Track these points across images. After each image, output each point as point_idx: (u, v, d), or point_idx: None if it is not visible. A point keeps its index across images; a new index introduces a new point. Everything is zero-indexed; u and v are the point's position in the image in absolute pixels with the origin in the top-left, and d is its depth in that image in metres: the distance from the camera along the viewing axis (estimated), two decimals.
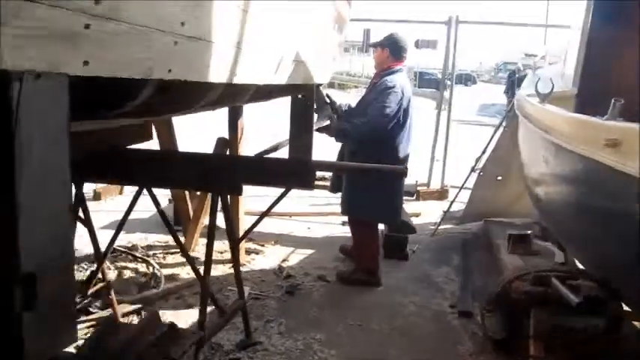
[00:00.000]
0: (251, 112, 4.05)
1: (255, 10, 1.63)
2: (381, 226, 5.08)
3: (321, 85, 3.69)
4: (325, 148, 4.51)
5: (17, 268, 0.92)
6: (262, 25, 1.78)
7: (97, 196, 6.26)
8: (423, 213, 6.30)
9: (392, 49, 4.12)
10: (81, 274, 4.19)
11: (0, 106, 0.83)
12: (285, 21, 2.08)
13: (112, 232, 3.35)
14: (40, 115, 0.88)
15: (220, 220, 3.81)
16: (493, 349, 3.25)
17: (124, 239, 4.96)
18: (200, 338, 2.83)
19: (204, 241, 3.22)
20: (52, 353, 1.07)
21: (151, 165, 2.78)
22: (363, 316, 3.74)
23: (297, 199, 5.89)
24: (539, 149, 2.71)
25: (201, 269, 2.92)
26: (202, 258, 3.14)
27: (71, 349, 2.27)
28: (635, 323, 3.24)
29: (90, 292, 3.48)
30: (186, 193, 4.84)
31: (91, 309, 3.59)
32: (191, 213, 4.80)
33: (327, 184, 5.66)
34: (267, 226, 5.05)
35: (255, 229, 3.53)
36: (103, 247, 3.30)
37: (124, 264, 4.44)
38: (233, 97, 2.13)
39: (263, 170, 2.66)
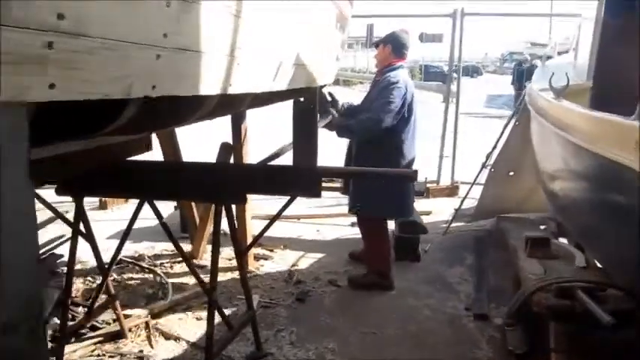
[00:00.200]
0: (255, 114, 3.94)
1: (248, 13, 1.52)
2: (391, 227, 4.99)
3: (324, 86, 3.59)
4: (331, 148, 4.41)
5: None
6: (257, 30, 1.67)
7: (103, 205, 6.19)
8: (433, 211, 6.18)
9: (394, 46, 4.10)
10: (88, 286, 4.13)
11: None
12: (282, 23, 1.97)
13: (118, 242, 3.27)
14: None
15: (227, 226, 3.74)
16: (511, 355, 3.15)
17: (131, 249, 4.89)
18: (209, 353, 2.75)
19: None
20: None
21: (152, 177, 2.69)
22: (376, 322, 3.63)
23: (305, 201, 5.75)
24: (556, 146, 2.59)
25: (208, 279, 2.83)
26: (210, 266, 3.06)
27: None
28: None
29: (95, 306, 3.40)
30: None
31: (97, 324, 3.51)
32: (197, 220, 4.71)
33: (336, 185, 5.57)
34: (275, 230, 4.94)
35: (267, 234, 3.42)
36: (109, 258, 3.23)
37: (130, 275, 4.37)
38: (230, 106, 2.03)
39: (267, 179, 2.56)
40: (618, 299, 2.17)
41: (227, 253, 4.56)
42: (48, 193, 2.89)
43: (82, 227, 3.02)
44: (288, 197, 2.71)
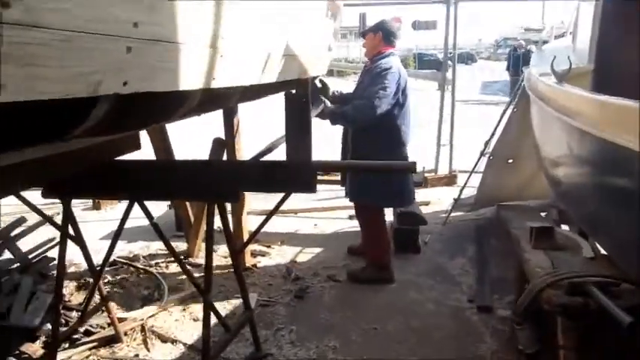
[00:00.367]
0: (246, 104, 3.84)
1: (231, 1, 1.42)
2: (390, 219, 4.91)
3: (317, 77, 3.49)
4: (318, 137, 4.31)
5: None
6: (242, 19, 1.56)
7: (96, 206, 6.08)
8: (432, 201, 6.09)
9: (384, 34, 4.06)
10: (82, 289, 4.03)
11: None
12: (269, 12, 1.86)
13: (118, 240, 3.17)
14: None
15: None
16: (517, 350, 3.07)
17: (125, 249, 4.80)
18: (206, 357, 2.67)
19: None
20: None
21: (141, 177, 2.59)
22: (377, 318, 3.55)
23: (302, 194, 5.65)
24: (559, 132, 2.50)
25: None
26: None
27: None
28: None
29: (89, 310, 3.31)
30: None
31: (91, 328, 3.43)
32: (192, 218, 4.62)
33: (333, 178, 5.47)
34: (272, 225, 4.84)
35: (262, 230, 3.32)
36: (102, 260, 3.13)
37: (125, 276, 4.27)
38: (216, 101, 1.93)
39: (260, 176, 2.46)
40: (631, 294, 2.07)
41: (223, 250, 4.48)
42: (37, 195, 2.80)
43: (71, 230, 2.94)
44: (281, 198, 2.62)
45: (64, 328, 3.32)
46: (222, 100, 2.00)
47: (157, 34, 1.09)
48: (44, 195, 2.71)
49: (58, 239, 3.61)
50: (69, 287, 4.02)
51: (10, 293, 3.57)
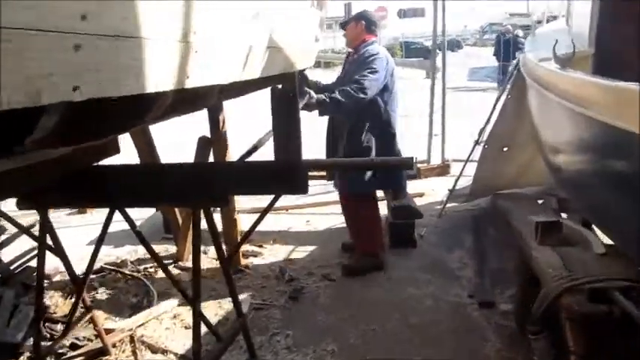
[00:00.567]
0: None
1: None
2: (384, 211, 4.80)
3: (304, 70, 3.33)
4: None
5: None
6: (218, 10, 1.40)
7: (81, 210, 5.90)
8: (426, 192, 5.96)
9: (366, 23, 4.07)
10: (68, 299, 3.87)
11: None
12: (250, 1, 1.71)
13: (102, 247, 3.01)
14: None
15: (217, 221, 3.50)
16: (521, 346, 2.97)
17: (112, 254, 4.64)
18: None
19: None
20: None
21: (122, 183, 2.43)
22: (375, 317, 3.42)
23: None
24: (562, 119, 2.37)
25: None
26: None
27: None
28: None
29: (74, 321, 3.16)
30: None
31: (77, 341, 3.27)
32: (180, 220, 4.46)
33: (322, 173, 5.32)
34: (263, 223, 4.64)
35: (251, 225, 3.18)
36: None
37: (113, 284, 4.11)
38: (193, 102, 1.77)
39: (248, 178, 2.31)
40: None
41: (214, 252, 4.31)
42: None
43: (51, 240, 2.78)
44: (271, 201, 2.48)
45: (49, 343, 3.17)
46: (200, 100, 1.85)
47: (113, 27, 0.93)
48: (19, 205, 2.55)
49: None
50: (54, 297, 3.85)
51: None
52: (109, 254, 4.64)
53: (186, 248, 4.44)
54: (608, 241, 2.80)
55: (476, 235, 4.64)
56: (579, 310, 1.82)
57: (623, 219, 2.28)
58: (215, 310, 3.66)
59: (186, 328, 3.44)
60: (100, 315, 3.59)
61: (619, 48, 2.59)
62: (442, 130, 6.87)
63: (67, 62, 0.84)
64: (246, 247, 4.56)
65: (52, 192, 2.41)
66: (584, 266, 2.21)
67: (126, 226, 4.25)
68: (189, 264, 4.36)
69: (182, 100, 1.46)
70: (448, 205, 5.29)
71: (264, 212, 2.74)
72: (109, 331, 3.28)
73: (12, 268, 3.88)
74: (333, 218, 5.36)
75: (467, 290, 3.74)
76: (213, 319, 3.54)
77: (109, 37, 0.93)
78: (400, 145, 4.10)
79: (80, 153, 2.22)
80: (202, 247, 4.03)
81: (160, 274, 4.28)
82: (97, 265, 4.23)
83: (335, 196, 4.92)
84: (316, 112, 3.76)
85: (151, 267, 4.36)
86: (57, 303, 3.83)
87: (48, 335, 3.33)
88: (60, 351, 3.17)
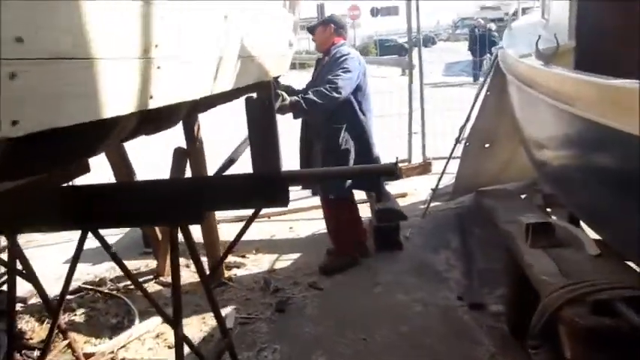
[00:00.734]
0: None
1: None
2: (367, 213, 4.74)
3: (278, 77, 3.23)
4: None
5: None
6: (182, 20, 1.29)
7: None
8: (409, 192, 5.89)
9: (335, 26, 4.08)
10: (44, 323, 3.71)
11: None
12: (218, 8, 1.60)
13: (80, 265, 2.86)
14: None
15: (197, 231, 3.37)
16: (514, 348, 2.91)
17: (91, 272, 4.48)
18: None
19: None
20: None
21: (93, 204, 2.29)
22: (365, 326, 3.33)
23: None
24: (547, 116, 2.30)
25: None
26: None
27: None
28: None
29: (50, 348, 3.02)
30: None
31: None
32: (159, 234, 4.33)
33: None
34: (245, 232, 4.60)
35: (234, 238, 3.06)
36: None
37: (92, 304, 3.96)
38: (159, 121, 1.66)
39: (225, 192, 2.20)
40: None
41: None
42: None
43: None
44: (250, 215, 2.37)
45: None
46: (168, 119, 1.74)
47: (55, 49, 0.81)
48: None
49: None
50: (30, 322, 3.69)
51: None
52: (88, 272, 4.50)
53: (167, 263, 4.31)
54: (595, 235, 2.77)
55: (461, 234, 4.58)
56: (583, 324, 1.74)
57: (613, 216, 2.23)
58: (199, 326, 3.55)
59: (169, 347, 3.31)
60: (79, 338, 3.46)
61: (600, 40, 2.54)
62: (422, 128, 6.81)
63: (2, 93, 0.72)
64: (229, 258, 4.43)
65: (18, 216, 2.28)
66: (581, 271, 2.14)
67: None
68: (170, 279, 4.23)
69: (148, 121, 1.35)
70: (432, 204, 5.23)
71: (246, 225, 2.63)
72: (88, 356, 3.15)
73: None
74: (317, 224, 5.24)
75: (455, 292, 3.68)
76: (198, 336, 3.43)
77: (50, 61, 0.81)
78: (377, 146, 4.15)
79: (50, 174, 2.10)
80: (185, 261, 3.91)
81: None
82: (74, 285, 4.11)
83: (317, 200, 4.83)
84: (289, 116, 3.71)
85: (131, 284, 4.21)
86: (33, 328, 3.67)
87: None
88: None
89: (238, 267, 4.42)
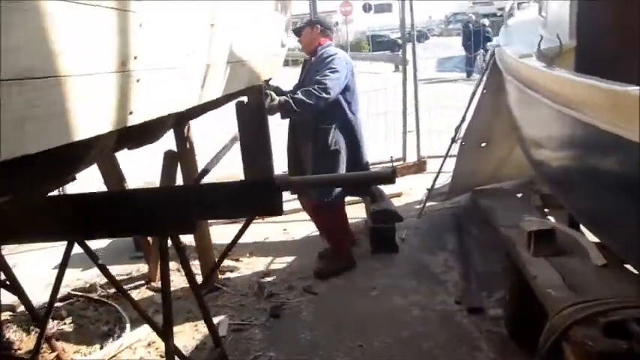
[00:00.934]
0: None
1: (143, 5, 1.04)
2: (362, 216, 4.68)
3: (270, 79, 3.15)
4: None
5: None
6: (163, 27, 1.19)
7: None
8: (404, 192, 5.81)
9: (323, 26, 4.05)
10: (32, 333, 3.62)
11: None
12: (203, 13, 1.50)
13: (69, 271, 2.77)
14: None
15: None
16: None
17: (82, 278, 4.39)
18: None
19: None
20: None
21: (80, 214, 2.21)
22: (361, 332, 3.26)
23: None
24: (549, 118, 2.23)
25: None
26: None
27: None
28: None
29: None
30: None
31: None
32: (150, 239, 4.23)
33: None
34: None
35: (227, 241, 2.97)
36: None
37: (81, 311, 3.87)
38: (144, 136, 1.57)
39: (216, 200, 2.12)
40: None
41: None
42: None
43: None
44: (243, 224, 2.29)
45: None
46: (151, 133, 1.64)
47: (14, 68, 0.72)
48: None
49: None
50: (18, 332, 3.60)
51: None
52: (77, 277, 4.40)
53: (157, 267, 4.22)
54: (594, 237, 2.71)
55: (458, 235, 4.51)
56: (595, 348, 1.65)
57: (615, 221, 2.16)
58: (192, 333, 3.47)
59: (161, 356, 3.23)
60: (68, 348, 3.37)
61: (602, 40, 2.46)
62: (416, 126, 6.74)
63: None
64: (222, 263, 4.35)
65: (3, 227, 2.19)
66: (587, 283, 2.07)
67: (94, 244, 4.03)
68: (158, 284, 4.15)
69: (127, 138, 1.26)
70: (427, 204, 5.17)
71: (240, 232, 2.54)
72: None
73: None
74: (311, 225, 5.14)
75: (453, 295, 3.61)
76: (190, 344, 3.35)
77: (10, 83, 0.72)
78: (370, 145, 4.22)
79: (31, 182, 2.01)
80: (176, 265, 3.82)
81: (133, 295, 4.06)
82: (64, 291, 4.01)
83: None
84: (277, 118, 3.65)
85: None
86: (22, 337, 3.57)
87: None
88: None
89: (232, 271, 4.34)
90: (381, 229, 4.38)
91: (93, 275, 4.43)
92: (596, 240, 2.62)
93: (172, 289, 3.09)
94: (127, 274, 4.43)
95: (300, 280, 4.03)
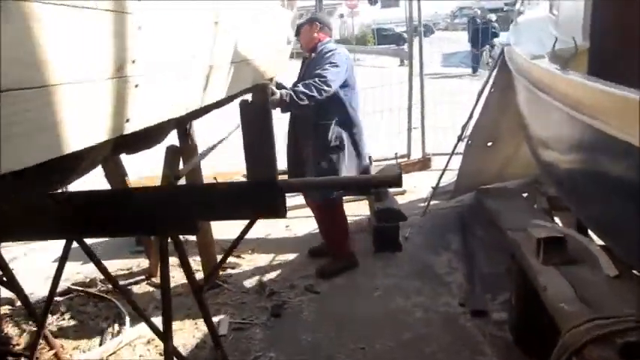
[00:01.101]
0: None
1: (142, 5, 0.98)
2: (365, 214, 4.63)
3: (275, 77, 3.09)
4: None
5: None
6: (162, 29, 1.13)
7: None
8: (408, 189, 5.75)
9: (322, 24, 4.01)
10: (30, 328, 3.58)
11: None
12: (205, 12, 1.44)
13: (69, 264, 2.72)
14: None
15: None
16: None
17: (82, 272, 4.35)
18: None
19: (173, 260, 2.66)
20: None
21: (80, 212, 2.16)
22: (364, 334, 3.22)
23: None
24: (561, 121, 2.17)
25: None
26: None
27: None
28: None
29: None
30: None
31: None
32: None
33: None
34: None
35: (230, 237, 2.92)
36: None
37: (81, 307, 3.83)
38: (143, 141, 1.52)
39: (219, 201, 2.07)
40: None
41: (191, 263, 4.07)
42: None
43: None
44: (245, 226, 2.24)
45: None
46: (151, 138, 1.59)
47: (7, 80, 0.66)
48: None
49: None
50: (17, 327, 3.56)
51: None
52: (77, 271, 4.37)
53: (158, 263, 4.18)
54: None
55: (463, 235, 4.46)
56: None
57: (625, 228, 2.11)
58: (192, 331, 3.43)
59: (161, 354, 3.18)
60: (67, 344, 3.34)
61: (617, 41, 2.39)
62: (421, 122, 6.67)
63: None
64: None
65: (2, 225, 2.15)
66: (600, 297, 2.01)
67: (94, 239, 3.98)
68: (158, 280, 4.10)
69: (125, 144, 1.21)
70: (431, 202, 5.11)
71: (242, 234, 2.49)
72: None
73: None
74: (313, 222, 5.07)
75: (457, 297, 3.56)
76: (190, 343, 3.32)
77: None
78: (372, 142, 4.25)
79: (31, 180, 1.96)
80: (177, 261, 3.77)
81: (134, 290, 4.03)
82: (63, 285, 3.98)
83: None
84: (277, 115, 3.60)
85: (123, 284, 4.08)
86: (21, 332, 3.54)
87: None
88: None
89: (233, 267, 4.30)
90: (385, 228, 4.33)
91: (93, 269, 4.34)
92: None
93: (173, 284, 3.05)
94: (128, 269, 4.40)
95: (302, 279, 3.99)
